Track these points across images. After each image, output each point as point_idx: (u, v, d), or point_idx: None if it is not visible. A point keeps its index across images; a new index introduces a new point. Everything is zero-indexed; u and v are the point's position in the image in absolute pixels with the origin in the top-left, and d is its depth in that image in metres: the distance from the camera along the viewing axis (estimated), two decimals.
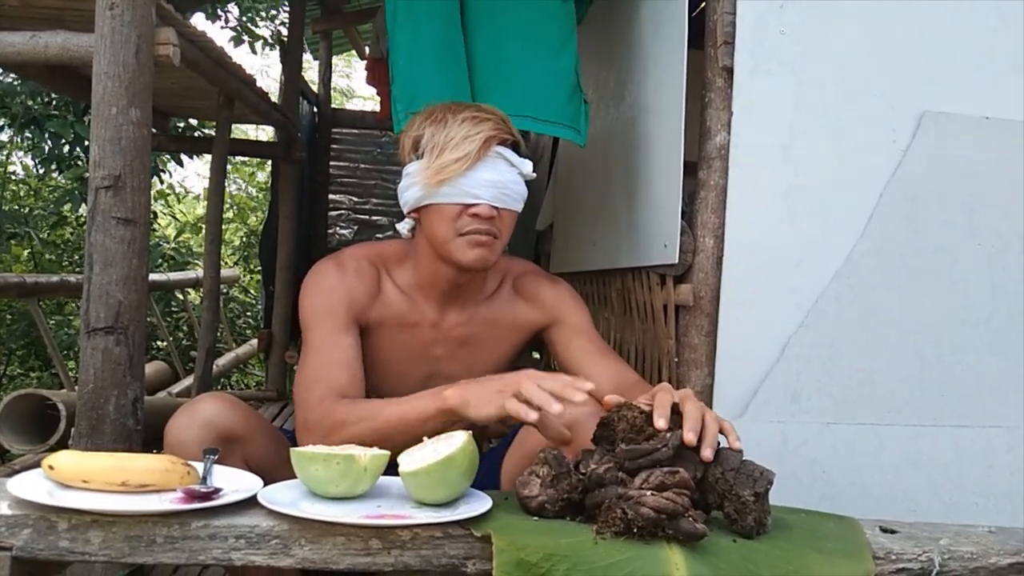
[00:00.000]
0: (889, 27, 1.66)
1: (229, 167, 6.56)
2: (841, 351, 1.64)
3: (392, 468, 1.15)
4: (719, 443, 1.14)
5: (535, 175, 1.52)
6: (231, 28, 6.36)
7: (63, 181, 5.93)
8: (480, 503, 1.12)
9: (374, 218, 5.96)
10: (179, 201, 8.69)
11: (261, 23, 6.66)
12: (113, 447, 1.63)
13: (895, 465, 1.64)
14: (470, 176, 1.40)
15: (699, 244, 1.68)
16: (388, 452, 1.16)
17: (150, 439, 1.77)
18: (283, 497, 1.10)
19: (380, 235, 5.80)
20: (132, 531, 1.04)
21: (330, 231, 5.74)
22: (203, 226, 4.91)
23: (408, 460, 1.12)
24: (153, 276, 5.00)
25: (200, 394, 1.69)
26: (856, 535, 1.14)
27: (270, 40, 6.66)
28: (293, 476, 1.16)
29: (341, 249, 1.60)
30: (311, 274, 1.52)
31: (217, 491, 1.10)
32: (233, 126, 3.64)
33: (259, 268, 6.38)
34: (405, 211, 1.51)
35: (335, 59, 6.13)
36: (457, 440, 1.11)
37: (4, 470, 2.39)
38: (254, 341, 5.76)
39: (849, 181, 1.65)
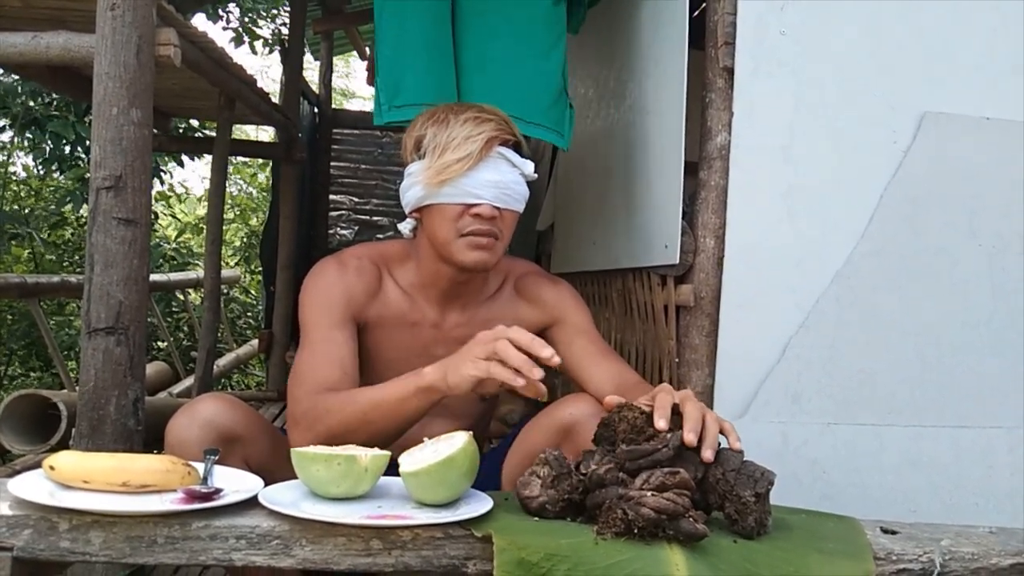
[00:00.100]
0: (889, 28, 1.66)
1: (230, 168, 6.56)
2: (842, 352, 1.64)
3: (393, 469, 1.15)
4: (719, 444, 1.14)
5: (536, 175, 1.52)
6: (231, 29, 6.36)
7: (64, 181, 5.94)
8: (481, 504, 1.12)
9: (375, 218, 5.96)
10: (180, 202, 8.70)
11: (262, 23, 6.66)
12: (114, 447, 1.63)
13: (895, 466, 1.64)
14: (472, 176, 1.41)
15: (700, 245, 1.68)
16: (389, 453, 1.16)
17: (151, 439, 1.77)
18: (284, 497, 1.10)
19: (381, 235, 5.80)
20: (133, 531, 1.04)
21: (331, 231, 5.74)
22: (204, 227, 4.91)
23: (409, 461, 1.12)
24: (154, 276, 5.01)
25: (200, 394, 1.69)
26: (857, 536, 1.14)
27: (270, 40, 6.66)
28: (294, 476, 1.16)
29: (343, 249, 1.60)
30: (312, 271, 1.53)
31: (218, 491, 1.10)
32: (234, 127, 3.64)
33: (260, 268, 6.38)
34: (407, 211, 1.51)
35: (334, 60, 6.13)
36: (458, 441, 1.11)
37: (5, 470, 2.39)
38: (255, 341, 5.76)
39: (850, 182, 1.65)
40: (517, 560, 0.98)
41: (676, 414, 1.14)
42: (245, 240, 8.54)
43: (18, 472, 1.20)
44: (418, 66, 1.93)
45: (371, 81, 4.01)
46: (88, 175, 1.82)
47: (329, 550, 1.05)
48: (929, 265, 1.65)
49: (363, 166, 5.94)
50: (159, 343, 5.97)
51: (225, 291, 6.79)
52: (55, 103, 5.12)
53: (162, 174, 6.06)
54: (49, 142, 5.16)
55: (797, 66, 1.64)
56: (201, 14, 5.78)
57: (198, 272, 5.85)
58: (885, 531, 1.19)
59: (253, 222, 8.68)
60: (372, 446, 1.27)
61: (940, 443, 1.65)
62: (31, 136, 5.30)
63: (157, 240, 6.89)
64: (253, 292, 8.04)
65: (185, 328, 6.49)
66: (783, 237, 1.65)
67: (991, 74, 1.67)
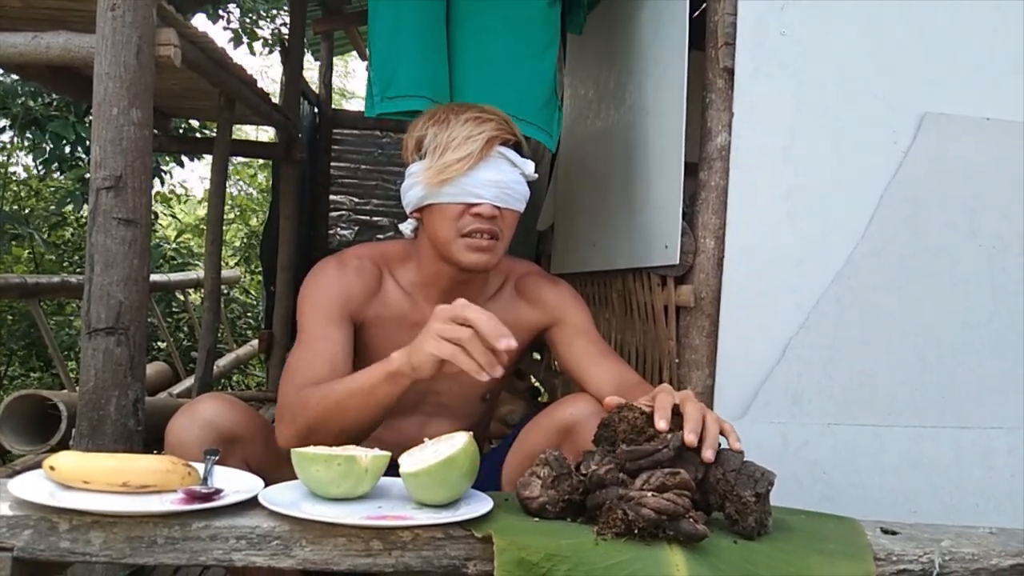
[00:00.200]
0: (890, 28, 1.66)
1: (229, 168, 6.56)
2: (842, 352, 1.64)
3: (393, 469, 1.15)
4: (719, 444, 1.14)
5: (537, 175, 1.52)
6: (231, 29, 6.36)
7: (64, 182, 5.94)
8: (481, 504, 1.12)
9: (375, 219, 5.96)
10: (180, 202, 8.70)
11: (262, 23, 6.66)
12: (114, 448, 1.63)
13: (896, 466, 1.64)
14: (472, 176, 1.41)
15: (700, 245, 1.68)
16: (389, 454, 1.16)
17: (151, 440, 1.77)
18: (284, 498, 1.10)
19: (381, 236, 5.81)
20: (133, 532, 1.04)
21: (331, 232, 5.74)
22: (204, 227, 4.91)
23: (409, 461, 1.12)
24: (154, 277, 5.01)
25: (200, 395, 1.69)
26: (857, 536, 1.14)
27: (270, 40, 6.66)
28: (294, 477, 1.16)
29: (344, 249, 1.61)
30: (312, 271, 1.54)
31: (218, 492, 1.10)
32: (234, 127, 3.64)
33: (260, 269, 6.38)
34: (408, 211, 1.52)
35: (333, 60, 6.13)
36: (458, 441, 1.11)
37: (5, 471, 2.39)
38: (255, 342, 5.76)
39: (850, 182, 1.65)
40: (517, 560, 0.98)
41: (676, 415, 1.14)
42: (245, 240, 8.54)
43: (18, 472, 1.20)
44: (412, 58, 1.93)
45: None
46: (88, 175, 1.82)
47: (329, 550, 1.05)
48: (929, 266, 1.65)
49: (363, 166, 5.94)
50: (159, 343, 5.97)
51: (225, 291, 6.79)
52: (55, 103, 5.12)
53: (162, 174, 6.06)
54: (49, 142, 5.16)
55: (797, 67, 1.64)
56: (201, 14, 5.78)
57: (198, 272, 5.85)
58: (885, 532, 1.19)
59: (253, 222, 8.68)
60: (350, 438, 1.27)
61: (940, 444, 1.65)
62: (31, 136, 5.30)
63: (157, 240, 6.89)
64: (253, 292, 8.04)
65: (185, 328, 6.49)
66: (783, 238, 1.65)
67: (991, 74, 1.67)
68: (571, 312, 1.60)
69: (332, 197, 5.64)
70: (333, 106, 5.67)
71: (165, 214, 8.03)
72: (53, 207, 5.95)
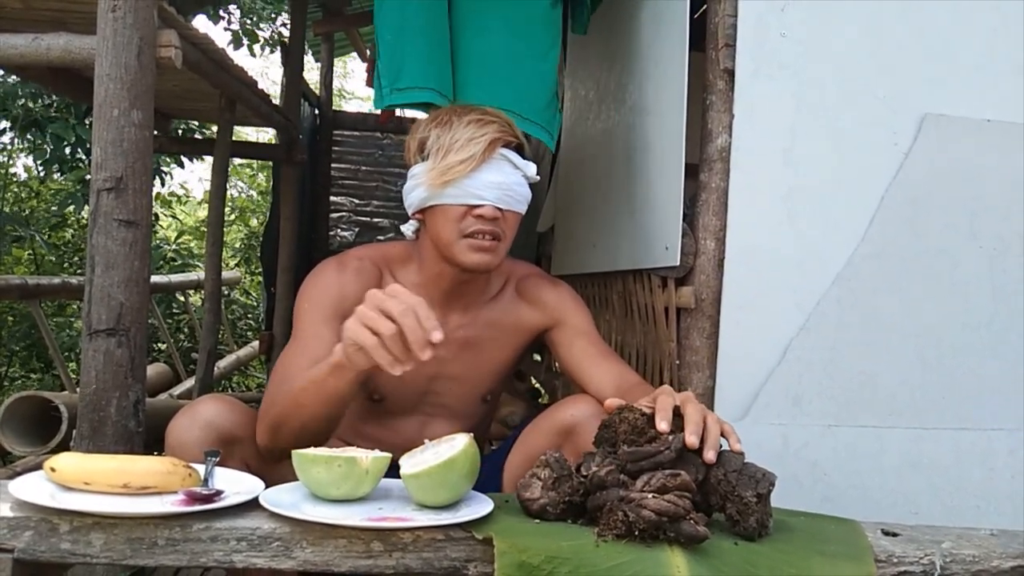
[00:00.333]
0: (890, 29, 1.66)
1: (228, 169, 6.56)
2: (842, 354, 1.64)
3: (394, 470, 1.15)
4: (720, 445, 1.14)
5: (538, 178, 1.52)
6: (231, 31, 6.36)
7: (64, 183, 5.94)
8: (482, 505, 1.12)
9: (375, 220, 5.97)
10: (180, 203, 8.70)
11: (263, 24, 6.67)
12: (115, 449, 1.63)
13: (896, 468, 1.64)
14: (475, 177, 1.42)
15: (700, 246, 1.68)
16: (389, 455, 1.16)
17: (151, 441, 1.77)
18: (285, 499, 1.10)
19: (381, 237, 5.81)
20: (134, 533, 1.04)
21: (331, 233, 5.75)
22: (204, 229, 4.91)
23: (410, 463, 1.12)
24: (154, 278, 5.01)
25: (201, 396, 1.69)
26: (858, 538, 1.14)
27: (270, 41, 6.66)
28: (294, 478, 1.16)
29: (345, 250, 1.61)
30: (312, 271, 1.54)
31: (219, 493, 1.10)
32: (234, 128, 3.64)
33: (260, 270, 6.38)
34: (410, 212, 1.52)
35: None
36: (459, 443, 1.11)
37: (6, 472, 2.39)
38: (255, 343, 5.76)
39: (850, 183, 1.65)
40: (518, 562, 0.98)
41: (677, 416, 1.14)
42: (244, 241, 8.55)
43: (19, 474, 1.20)
44: (419, 51, 1.93)
45: (370, 83, 4.01)
46: (88, 177, 1.82)
47: (330, 552, 1.05)
48: (930, 267, 1.65)
49: (364, 168, 5.94)
50: (160, 345, 5.97)
51: (226, 293, 6.79)
52: (55, 105, 5.12)
53: (163, 175, 6.07)
54: (50, 144, 5.17)
55: (798, 68, 1.64)
56: (202, 15, 5.79)
57: (199, 274, 5.85)
58: (886, 533, 1.19)
59: (253, 223, 8.69)
60: (312, 435, 1.26)
61: (941, 445, 1.65)
62: (31, 138, 5.30)
63: (157, 242, 6.89)
64: (254, 294, 8.04)
65: (186, 330, 6.49)
66: (784, 239, 1.65)
67: (992, 76, 1.67)
68: (571, 313, 1.60)
69: (332, 198, 5.65)
70: (333, 107, 5.68)
71: (166, 215, 8.04)
72: (54, 208, 5.95)
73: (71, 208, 5.55)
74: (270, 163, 6.07)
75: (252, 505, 1.09)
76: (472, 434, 1.17)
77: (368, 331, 1.10)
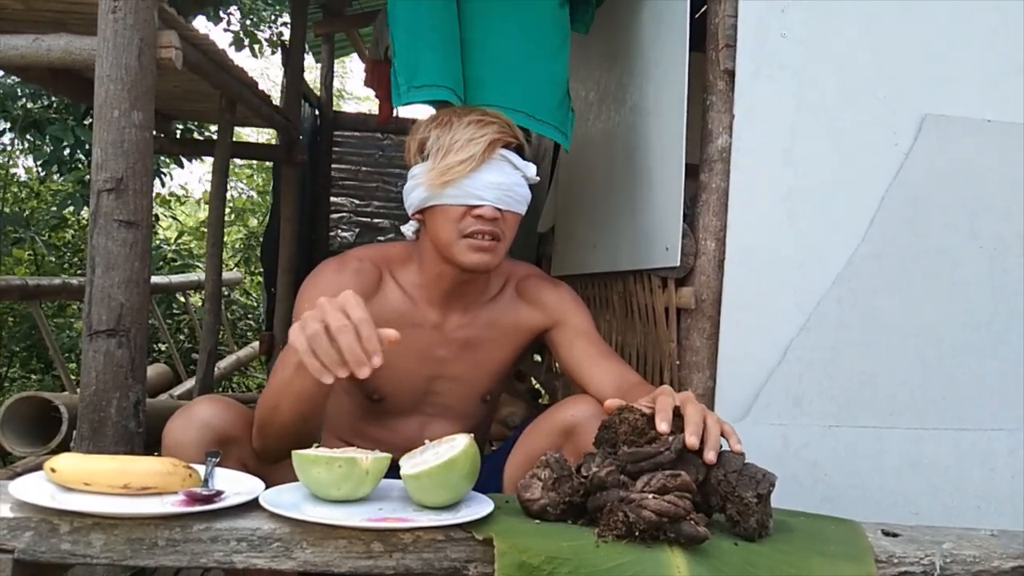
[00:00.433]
0: (890, 30, 1.66)
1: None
2: (842, 354, 1.64)
3: (394, 471, 1.15)
4: (720, 446, 1.14)
5: (538, 178, 1.52)
6: (231, 32, 6.37)
7: (64, 184, 5.94)
8: (482, 506, 1.12)
9: (376, 220, 5.97)
10: (180, 204, 8.70)
11: (263, 25, 6.67)
12: (115, 450, 1.63)
13: (896, 468, 1.64)
14: (474, 178, 1.42)
15: (700, 247, 1.68)
16: (389, 455, 1.16)
17: (152, 442, 1.77)
18: (285, 500, 1.10)
19: (382, 238, 5.81)
20: (134, 534, 1.04)
21: (332, 234, 5.75)
22: (204, 230, 4.90)
23: (410, 463, 1.12)
24: (155, 279, 5.01)
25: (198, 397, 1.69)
26: (858, 538, 1.14)
27: (271, 42, 6.67)
28: (291, 478, 1.16)
29: (345, 250, 1.61)
30: (312, 272, 1.54)
31: (219, 494, 1.10)
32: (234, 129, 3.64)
33: (260, 270, 6.38)
34: (410, 213, 1.52)
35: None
36: (459, 443, 1.11)
37: (6, 473, 2.39)
38: (255, 344, 5.76)
39: (850, 184, 1.65)
40: (518, 563, 0.98)
41: (677, 416, 1.14)
42: (243, 242, 8.55)
43: (19, 474, 1.20)
44: (434, 50, 1.92)
45: (368, 83, 4.01)
46: (87, 177, 1.82)
47: (330, 552, 1.05)
48: (930, 267, 1.65)
49: (364, 168, 5.94)
50: (160, 345, 5.97)
51: (226, 293, 6.79)
52: (54, 106, 5.13)
53: (162, 176, 6.07)
54: (49, 145, 5.17)
55: (798, 68, 1.64)
56: (202, 16, 5.79)
57: (199, 274, 5.86)
58: (886, 534, 1.19)
59: (252, 223, 8.69)
60: (293, 437, 1.25)
61: (941, 445, 1.65)
62: (31, 139, 5.30)
63: (157, 242, 6.90)
64: (254, 294, 8.04)
65: (186, 330, 6.49)
66: (784, 239, 1.65)
67: (992, 76, 1.67)
68: (571, 314, 1.60)
69: (333, 199, 5.65)
70: (333, 107, 5.68)
71: (166, 216, 8.04)
72: (54, 209, 5.95)
73: (71, 209, 5.55)
74: (268, 163, 6.07)
75: (252, 506, 1.09)
76: (472, 434, 1.17)
77: (303, 337, 1.08)
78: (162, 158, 5.60)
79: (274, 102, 3.89)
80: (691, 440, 1.10)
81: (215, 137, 3.75)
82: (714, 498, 1.11)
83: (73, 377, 4.17)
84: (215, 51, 2.58)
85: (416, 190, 1.47)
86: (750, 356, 1.64)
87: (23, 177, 6.48)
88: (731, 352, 1.65)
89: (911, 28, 1.66)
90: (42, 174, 5.68)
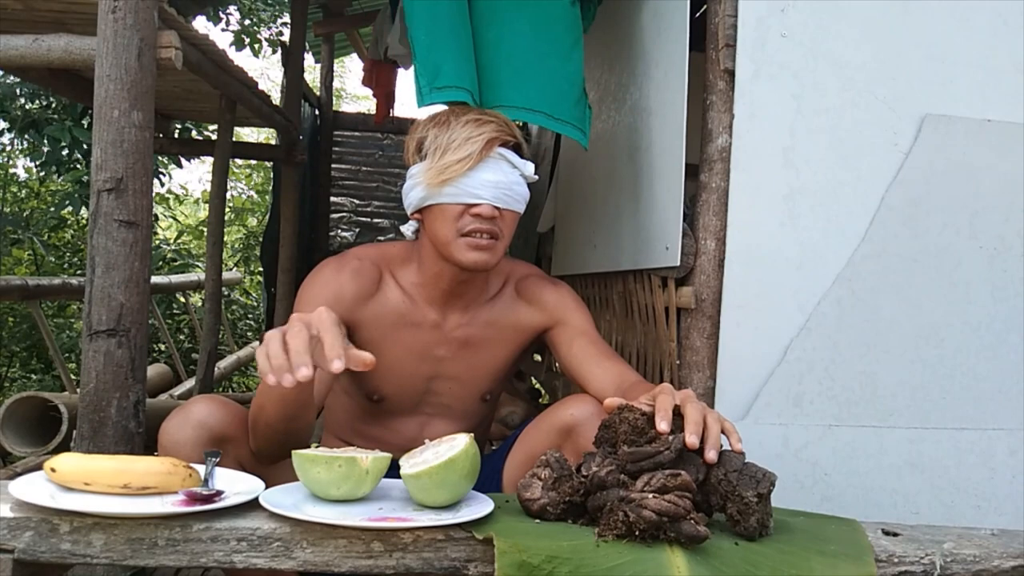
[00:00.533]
0: (890, 30, 1.66)
1: None
2: (843, 354, 1.64)
3: (394, 471, 1.15)
4: (721, 444, 1.14)
5: (537, 177, 1.52)
6: (231, 32, 6.37)
7: (63, 184, 5.94)
8: (482, 506, 1.11)
9: (375, 220, 5.97)
10: (180, 203, 8.70)
11: (263, 25, 6.67)
12: (115, 449, 1.63)
13: (896, 468, 1.64)
14: (472, 176, 1.42)
15: (701, 247, 1.68)
16: (390, 455, 1.16)
17: (152, 442, 1.76)
18: (285, 500, 1.10)
19: (381, 237, 5.81)
20: (134, 533, 1.04)
21: (331, 233, 5.75)
22: (203, 229, 4.90)
23: (410, 463, 1.12)
24: (155, 279, 5.01)
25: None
26: (858, 538, 1.14)
27: (271, 42, 6.67)
28: (290, 478, 1.16)
29: (345, 250, 1.61)
30: (312, 271, 1.54)
31: (219, 494, 1.10)
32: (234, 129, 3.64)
33: (260, 270, 6.38)
34: (409, 212, 1.52)
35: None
36: (459, 443, 1.11)
37: (6, 472, 2.39)
38: (256, 344, 5.76)
39: (851, 184, 1.65)
40: (518, 562, 0.98)
41: (677, 415, 1.14)
42: (243, 241, 8.55)
43: (19, 474, 1.20)
44: (451, 51, 1.92)
45: (367, 82, 4.01)
46: (86, 178, 1.82)
47: (330, 552, 1.05)
48: (930, 267, 1.65)
49: (364, 168, 5.94)
50: (160, 345, 5.97)
51: (226, 293, 6.79)
52: (53, 106, 5.13)
53: (161, 176, 6.07)
54: (47, 145, 5.17)
55: (798, 68, 1.64)
56: (202, 16, 5.79)
57: (199, 274, 5.86)
58: (887, 533, 1.19)
59: (252, 223, 8.69)
60: (282, 439, 1.25)
61: (941, 445, 1.65)
62: (29, 139, 5.30)
63: (157, 242, 6.90)
64: (254, 294, 8.04)
65: (186, 330, 6.50)
66: (784, 239, 1.65)
67: (992, 76, 1.67)
68: (571, 313, 1.60)
69: (333, 199, 5.65)
70: (333, 107, 5.68)
71: (165, 215, 8.04)
72: (53, 209, 5.96)
73: (69, 209, 5.55)
74: (268, 163, 6.07)
75: (252, 505, 1.09)
76: (472, 434, 1.17)
77: (266, 348, 1.07)
78: (160, 158, 5.61)
79: (274, 102, 3.89)
80: (691, 440, 1.10)
81: (215, 137, 3.75)
82: (714, 497, 1.11)
83: (73, 377, 4.17)
84: (215, 51, 2.58)
85: (415, 189, 1.47)
86: (750, 356, 1.64)
87: (22, 177, 6.48)
88: (731, 352, 1.65)
89: (911, 28, 1.66)
90: (41, 174, 5.68)
